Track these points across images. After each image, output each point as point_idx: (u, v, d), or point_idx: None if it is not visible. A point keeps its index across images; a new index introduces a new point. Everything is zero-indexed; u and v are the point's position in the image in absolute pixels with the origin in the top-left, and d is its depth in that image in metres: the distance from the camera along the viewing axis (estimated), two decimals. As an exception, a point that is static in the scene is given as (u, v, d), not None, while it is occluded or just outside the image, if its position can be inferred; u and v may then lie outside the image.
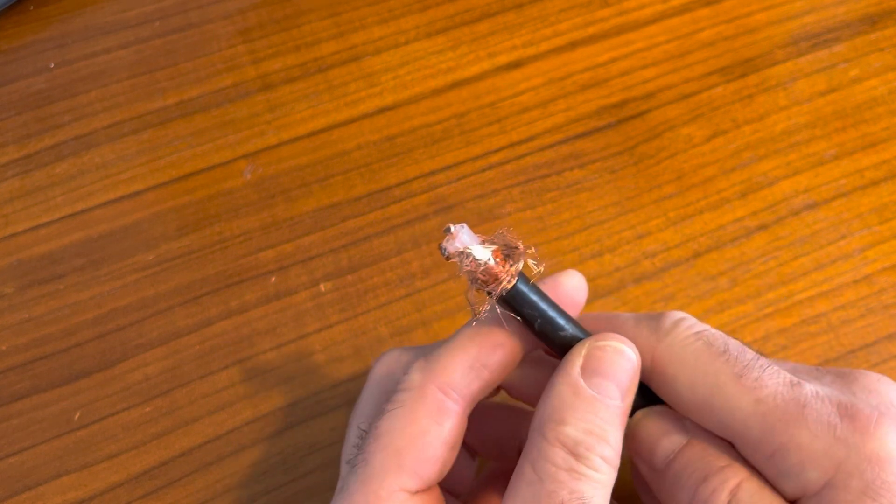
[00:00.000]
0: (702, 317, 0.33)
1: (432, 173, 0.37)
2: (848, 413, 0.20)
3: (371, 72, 0.40)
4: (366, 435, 0.22)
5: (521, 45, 0.41)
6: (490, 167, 0.37)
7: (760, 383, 0.21)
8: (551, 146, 0.38)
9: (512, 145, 0.38)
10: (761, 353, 0.22)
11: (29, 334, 0.34)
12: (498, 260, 0.20)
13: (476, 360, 0.23)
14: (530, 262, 0.21)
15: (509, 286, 0.20)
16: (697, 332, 0.22)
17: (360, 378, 0.32)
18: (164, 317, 0.34)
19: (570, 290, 0.24)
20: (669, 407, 0.23)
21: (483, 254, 0.20)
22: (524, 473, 0.20)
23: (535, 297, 0.22)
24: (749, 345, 0.22)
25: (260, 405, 0.32)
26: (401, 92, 0.39)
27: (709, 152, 0.37)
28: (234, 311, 0.34)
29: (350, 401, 0.32)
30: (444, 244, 0.20)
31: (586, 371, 0.21)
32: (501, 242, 0.21)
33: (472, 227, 0.36)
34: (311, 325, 0.33)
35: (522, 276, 0.21)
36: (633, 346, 0.22)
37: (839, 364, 0.32)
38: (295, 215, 0.36)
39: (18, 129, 0.39)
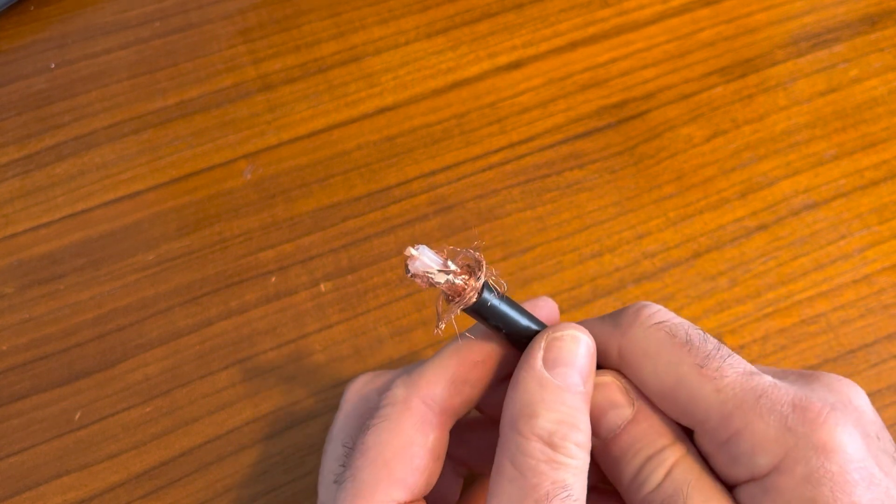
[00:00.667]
0: (702, 317, 0.33)
1: (432, 173, 0.37)
2: (801, 405, 0.21)
3: (371, 72, 0.40)
4: (351, 451, 0.23)
5: (521, 46, 0.41)
6: (490, 167, 0.37)
7: (721, 373, 0.21)
8: (551, 146, 0.38)
9: (512, 145, 0.38)
10: (722, 342, 0.23)
11: (29, 334, 0.34)
12: (463, 276, 0.21)
13: (457, 376, 0.23)
14: (491, 280, 0.22)
15: (471, 302, 0.21)
16: (659, 323, 0.23)
17: (360, 378, 0.32)
18: (165, 317, 0.34)
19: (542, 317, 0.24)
20: (617, 375, 0.24)
21: (441, 276, 0.21)
22: (504, 470, 0.21)
23: (503, 309, 0.22)
24: (719, 338, 0.23)
25: (260, 405, 0.32)
26: (401, 92, 0.39)
27: (709, 152, 0.37)
28: (234, 311, 0.34)
29: (350, 401, 0.32)
30: (408, 265, 0.21)
31: (548, 362, 0.22)
32: (466, 259, 0.22)
33: (472, 227, 0.36)
34: (311, 325, 0.33)
35: (488, 287, 0.22)
36: (587, 331, 0.23)
37: (839, 364, 0.32)
38: (295, 215, 0.36)
39: (19, 129, 0.39)
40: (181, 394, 0.32)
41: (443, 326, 0.22)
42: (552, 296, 0.34)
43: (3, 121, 0.39)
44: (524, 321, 0.23)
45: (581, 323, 0.24)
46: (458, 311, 0.22)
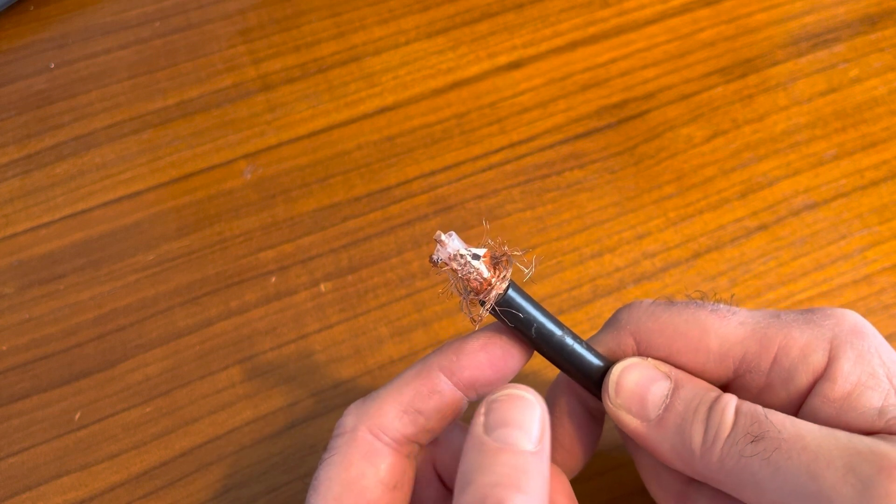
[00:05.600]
0: (702, 317, 0.33)
1: (432, 173, 0.37)
2: (815, 310, 0.23)
3: (371, 72, 0.40)
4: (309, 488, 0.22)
5: (522, 46, 0.41)
6: (490, 167, 0.37)
7: (734, 311, 0.23)
8: (551, 146, 0.38)
9: (512, 145, 0.38)
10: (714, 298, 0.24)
11: (29, 334, 0.34)
12: (488, 267, 0.20)
13: (410, 405, 0.23)
14: (520, 265, 0.21)
15: (502, 291, 0.21)
16: (654, 301, 0.24)
17: (361, 378, 0.32)
18: (165, 317, 0.34)
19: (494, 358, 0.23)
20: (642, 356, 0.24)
21: (475, 260, 0.20)
22: None
23: (527, 303, 0.22)
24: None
25: (260, 405, 0.32)
26: (401, 92, 0.39)
27: (709, 152, 0.37)
28: (234, 311, 0.34)
29: (350, 401, 0.32)
30: (436, 252, 0.20)
31: (488, 426, 0.21)
32: (493, 252, 0.21)
33: (472, 227, 0.36)
34: (311, 325, 0.33)
35: (513, 283, 0.21)
36: (531, 389, 0.22)
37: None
38: (295, 215, 0.36)
39: (19, 130, 0.39)
40: (181, 394, 0.32)
41: (484, 314, 0.21)
42: (552, 296, 0.34)
43: (3, 121, 0.39)
44: (550, 318, 0.22)
45: (587, 340, 0.24)
46: (490, 305, 0.21)
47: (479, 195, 0.36)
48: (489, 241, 0.21)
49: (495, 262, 0.21)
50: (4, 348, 0.33)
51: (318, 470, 0.22)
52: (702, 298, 0.24)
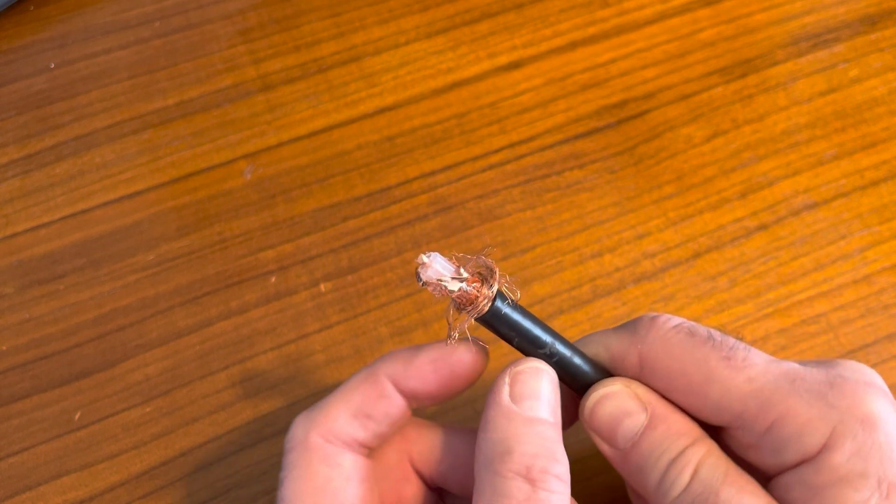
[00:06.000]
0: (702, 317, 0.33)
1: (432, 173, 0.37)
2: (836, 382, 0.21)
3: (371, 72, 0.40)
4: None
5: (521, 46, 0.41)
6: (490, 167, 0.37)
7: (749, 363, 0.21)
8: (551, 146, 0.38)
9: (512, 145, 0.38)
10: (740, 338, 0.23)
11: (29, 334, 0.34)
12: (474, 284, 0.21)
13: (359, 410, 0.23)
14: (505, 288, 0.21)
15: (483, 311, 0.21)
16: (677, 325, 0.23)
17: (360, 378, 0.32)
18: (165, 317, 0.34)
19: (454, 364, 0.23)
20: (627, 382, 0.23)
21: (454, 284, 0.20)
22: None
23: (515, 318, 0.22)
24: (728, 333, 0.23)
25: (260, 405, 0.32)
26: (401, 92, 0.39)
27: (709, 152, 0.37)
28: (234, 311, 0.34)
29: (350, 401, 0.32)
30: (419, 273, 0.20)
31: (515, 396, 0.21)
32: (477, 266, 0.21)
33: (472, 227, 0.36)
34: (311, 326, 0.33)
35: (501, 295, 0.21)
36: (545, 363, 0.22)
37: (839, 364, 0.32)
38: (295, 215, 0.36)
39: (19, 129, 0.39)
40: (181, 394, 0.32)
41: (456, 336, 0.21)
42: (552, 296, 0.34)
43: (2, 121, 0.39)
44: (537, 331, 0.22)
45: (594, 334, 0.24)
46: (471, 320, 0.21)
47: (479, 195, 0.36)
48: (480, 255, 0.21)
49: (481, 278, 0.21)
50: (4, 348, 0.33)
51: (281, 489, 0.22)
52: (724, 332, 0.23)
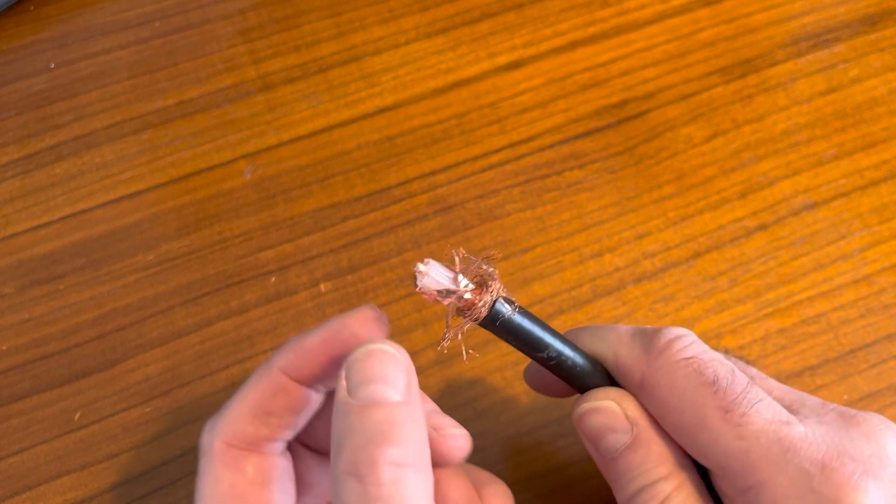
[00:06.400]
0: (702, 317, 0.33)
1: (432, 173, 0.37)
2: (830, 465, 0.20)
3: (371, 72, 0.40)
4: None
5: (521, 45, 0.41)
6: (490, 167, 0.37)
7: (746, 420, 0.21)
8: (551, 146, 0.38)
9: (512, 145, 0.38)
10: (753, 384, 0.22)
11: (29, 334, 0.34)
12: (473, 290, 0.21)
13: (258, 409, 0.22)
14: (504, 293, 0.21)
15: (481, 317, 0.21)
16: (689, 358, 0.22)
17: (360, 378, 0.32)
18: (164, 317, 0.34)
19: (354, 327, 0.22)
20: (622, 399, 0.23)
21: (449, 294, 0.20)
22: None
23: (514, 323, 0.22)
24: (745, 361, 0.22)
25: (260, 405, 0.32)
26: (401, 92, 0.39)
27: (709, 152, 0.37)
28: (234, 311, 0.34)
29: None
30: (417, 281, 0.20)
31: (351, 387, 0.19)
32: (476, 272, 0.21)
33: (472, 227, 0.36)
34: (311, 325, 0.33)
35: (500, 301, 0.21)
36: (388, 341, 0.21)
37: (839, 364, 0.32)
38: (295, 215, 0.36)
39: (19, 129, 0.39)
40: (181, 394, 0.32)
41: (447, 343, 0.21)
42: (552, 295, 0.34)
43: (2, 121, 0.39)
44: (538, 333, 0.22)
45: (611, 330, 0.24)
46: (468, 325, 0.21)
47: (479, 195, 0.36)
48: (479, 260, 0.21)
49: (479, 283, 0.21)
50: (4, 348, 0.33)
51: (194, 496, 0.22)
52: (744, 360, 0.22)
